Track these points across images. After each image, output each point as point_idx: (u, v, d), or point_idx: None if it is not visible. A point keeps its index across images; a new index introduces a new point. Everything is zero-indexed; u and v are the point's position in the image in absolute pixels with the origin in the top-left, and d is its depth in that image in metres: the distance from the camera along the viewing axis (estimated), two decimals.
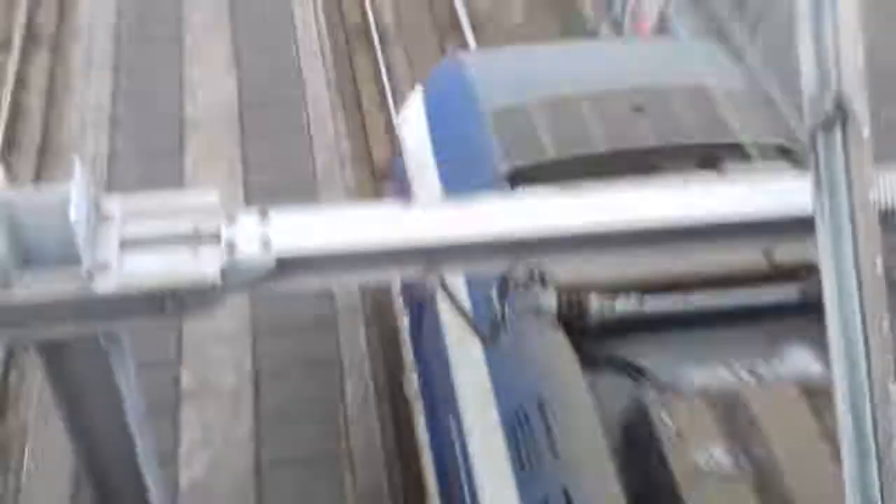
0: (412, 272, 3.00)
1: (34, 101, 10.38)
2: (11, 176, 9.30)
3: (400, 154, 6.57)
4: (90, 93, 10.08)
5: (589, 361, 3.85)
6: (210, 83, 10.29)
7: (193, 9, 11.20)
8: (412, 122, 6.39)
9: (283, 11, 11.29)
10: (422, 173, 5.84)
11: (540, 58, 6.36)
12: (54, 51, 11.04)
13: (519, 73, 5.84)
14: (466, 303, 4.32)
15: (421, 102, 6.38)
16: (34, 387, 7.29)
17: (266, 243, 2.84)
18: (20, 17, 11.05)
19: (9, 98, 10.09)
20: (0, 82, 10.33)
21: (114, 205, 2.87)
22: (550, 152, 4.92)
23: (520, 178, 4.76)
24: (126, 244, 2.78)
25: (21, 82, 10.48)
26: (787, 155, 4.86)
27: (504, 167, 4.90)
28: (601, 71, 5.79)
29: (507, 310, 4.14)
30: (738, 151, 4.73)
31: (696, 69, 5.58)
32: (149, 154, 9.47)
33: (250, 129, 9.84)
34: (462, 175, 5.33)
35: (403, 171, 6.26)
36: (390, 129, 9.77)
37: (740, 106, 5.08)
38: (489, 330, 4.24)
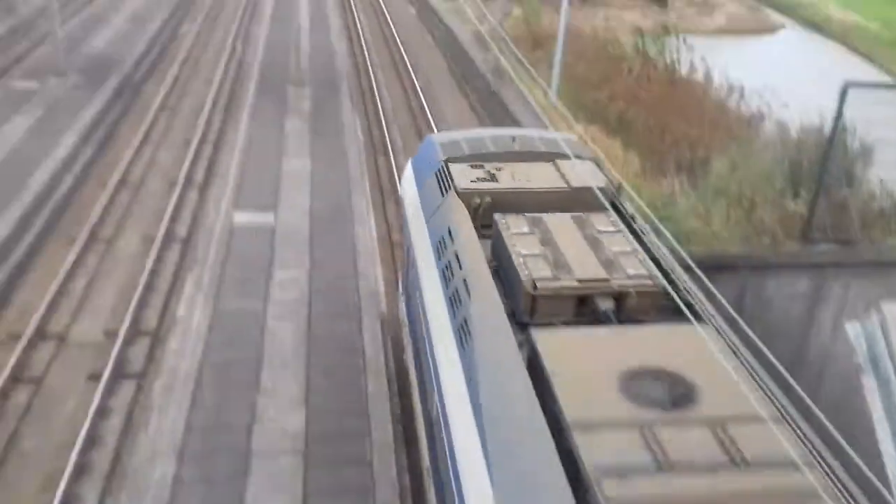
0: None
1: (111, 429, 10.74)
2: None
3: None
4: (165, 423, 10.44)
5: None
6: (279, 417, 10.59)
7: (273, 349, 11.92)
8: (406, 176, 10.78)
9: (354, 348, 11.92)
10: (410, 199, 10.16)
11: (472, 131, 12.38)
12: (138, 385, 11.66)
13: (460, 135, 10.80)
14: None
15: (410, 165, 10.91)
16: None
17: None
18: (112, 355, 11.88)
19: (87, 426, 10.48)
20: (84, 410, 10.81)
21: None
22: (465, 152, 9.83)
23: (450, 161, 9.56)
24: None
25: (102, 412, 10.96)
26: (593, 160, 9.73)
27: (443, 158, 9.70)
28: (502, 133, 11.00)
29: None
30: (564, 157, 9.34)
31: (552, 134, 11.19)
32: (211, 482, 9.51)
33: (315, 461, 9.89)
34: (425, 171, 9.99)
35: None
36: None
37: (572, 146, 9.84)
38: None
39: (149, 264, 14.31)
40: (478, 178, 9.02)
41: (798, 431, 5.40)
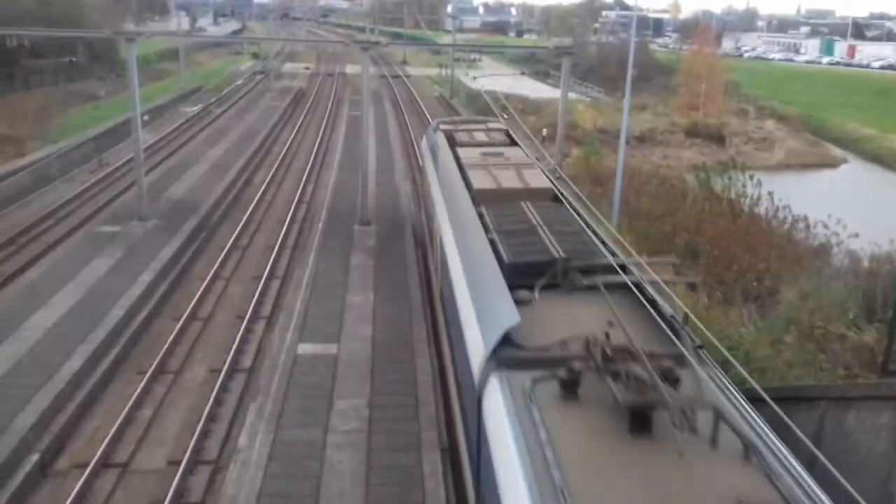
0: None
1: None
2: None
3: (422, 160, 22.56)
4: None
5: None
6: None
7: (332, 480, 11.74)
8: (424, 146, 21.58)
9: (413, 481, 11.62)
10: (426, 158, 20.12)
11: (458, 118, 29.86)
12: None
13: (447, 119, 26.17)
14: None
15: (425, 139, 21.63)
16: None
17: None
18: (173, 484, 11.88)
19: None
20: None
21: None
22: (447, 122, 21.57)
23: (440, 123, 20.32)
24: None
25: None
26: (505, 125, 21.03)
27: (436, 123, 20.54)
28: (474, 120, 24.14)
29: None
30: (495, 120, 22.79)
31: (501, 122, 22.37)
32: None
33: None
34: (430, 132, 20.42)
35: (424, 167, 21.58)
36: None
37: (500, 121, 23.03)
38: None
39: (213, 395, 14.51)
40: (450, 127, 19.19)
41: None
